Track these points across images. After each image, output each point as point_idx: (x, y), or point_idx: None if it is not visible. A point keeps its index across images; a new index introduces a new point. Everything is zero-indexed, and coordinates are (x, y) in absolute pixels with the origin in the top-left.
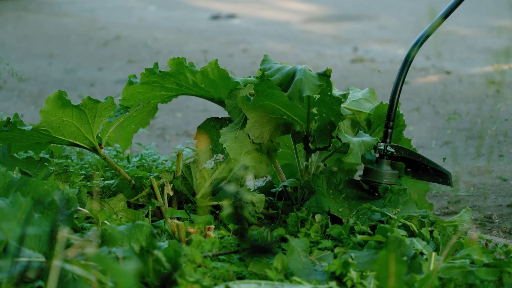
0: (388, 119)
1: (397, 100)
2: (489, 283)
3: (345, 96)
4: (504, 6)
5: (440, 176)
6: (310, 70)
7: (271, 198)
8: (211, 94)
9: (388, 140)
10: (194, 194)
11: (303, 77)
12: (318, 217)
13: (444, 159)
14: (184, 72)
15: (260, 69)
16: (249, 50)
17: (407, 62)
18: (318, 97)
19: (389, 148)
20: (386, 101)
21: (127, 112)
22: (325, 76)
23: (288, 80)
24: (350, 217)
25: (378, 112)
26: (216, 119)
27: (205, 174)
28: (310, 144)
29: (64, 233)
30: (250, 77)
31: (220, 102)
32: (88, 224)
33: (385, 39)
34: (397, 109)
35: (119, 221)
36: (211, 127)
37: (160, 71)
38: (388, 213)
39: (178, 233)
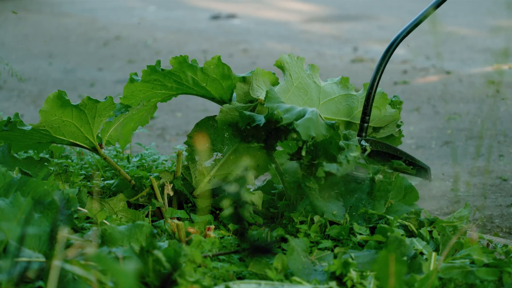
0: (364, 113)
1: (374, 95)
2: (489, 283)
3: (345, 148)
4: (503, 6)
5: (419, 170)
6: (320, 116)
7: (272, 197)
8: (212, 94)
9: (363, 134)
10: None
11: (314, 117)
12: (316, 217)
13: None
14: (186, 70)
15: (266, 107)
16: (249, 50)
17: (385, 57)
18: None
19: (363, 143)
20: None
21: (127, 112)
22: (332, 128)
23: (299, 119)
24: (346, 215)
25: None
26: (215, 118)
27: (204, 171)
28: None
29: (64, 233)
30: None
31: (221, 102)
32: (88, 224)
33: (385, 39)
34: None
35: (119, 221)
36: (210, 126)
37: (162, 69)
38: (380, 213)
39: (178, 233)
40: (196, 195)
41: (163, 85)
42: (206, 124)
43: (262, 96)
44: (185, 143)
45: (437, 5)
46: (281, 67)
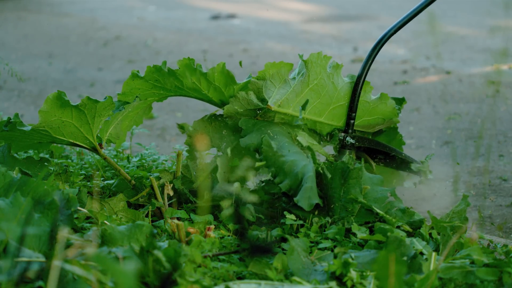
0: (351, 110)
1: (360, 92)
2: (489, 283)
3: None
4: (501, 6)
5: (410, 166)
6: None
7: (272, 197)
8: (213, 99)
9: (350, 131)
10: (194, 194)
11: (313, 184)
12: (315, 218)
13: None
14: (190, 75)
15: (265, 167)
16: (249, 50)
17: (371, 55)
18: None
19: (348, 139)
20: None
21: (123, 109)
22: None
23: (297, 184)
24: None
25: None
26: (213, 115)
27: (203, 167)
28: None
29: (64, 233)
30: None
31: (221, 105)
32: (88, 224)
33: None
34: (398, 131)
35: (119, 221)
36: (208, 123)
37: (168, 68)
38: (364, 201)
39: (178, 233)
40: (195, 188)
41: (163, 87)
42: (204, 122)
43: (272, 100)
44: (185, 143)
45: (428, 3)
46: (306, 66)
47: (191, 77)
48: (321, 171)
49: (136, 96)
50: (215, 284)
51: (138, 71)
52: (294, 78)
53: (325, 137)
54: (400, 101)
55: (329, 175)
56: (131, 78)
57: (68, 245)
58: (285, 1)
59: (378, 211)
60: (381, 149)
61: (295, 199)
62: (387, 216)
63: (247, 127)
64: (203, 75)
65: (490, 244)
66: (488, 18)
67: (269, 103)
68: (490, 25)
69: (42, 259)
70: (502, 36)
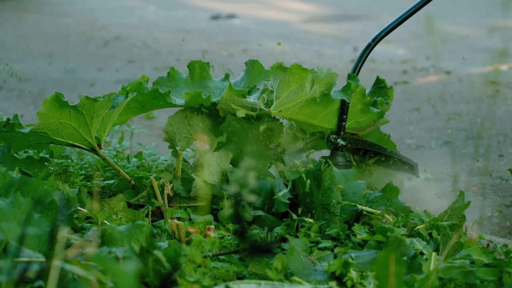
0: (342, 112)
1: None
2: (489, 283)
3: None
4: (501, 7)
5: (407, 166)
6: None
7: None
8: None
9: (341, 133)
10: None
11: (282, 189)
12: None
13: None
14: (201, 101)
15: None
16: (249, 50)
17: (364, 53)
18: None
19: (339, 140)
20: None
21: (117, 106)
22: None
23: (269, 197)
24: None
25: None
26: (190, 109)
27: (197, 164)
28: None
29: (64, 233)
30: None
31: None
32: (88, 224)
33: (385, 39)
34: (389, 136)
35: (119, 221)
36: (184, 117)
37: (173, 103)
38: (342, 201)
39: (178, 233)
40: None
41: (165, 101)
42: (179, 116)
43: (278, 103)
44: (164, 139)
45: (421, 5)
46: (331, 91)
47: (201, 101)
48: (296, 181)
49: (126, 91)
50: (215, 284)
51: (147, 80)
52: (312, 81)
53: (310, 136)
54: (383, 92)
55: (305, 181)
56: (138, 83)
57: (68, 245)
58: (285, 1)
59: (360, 206)
60: (377, 150)
61: (273, 209)
62: (372, 209)
63: (228, 131)
64: (212, 103)
65: (490, 244)
66: (488, 19)
67: (271, 108)
68: (490, 25)
69: (42, 259)
70: (502, 36)
